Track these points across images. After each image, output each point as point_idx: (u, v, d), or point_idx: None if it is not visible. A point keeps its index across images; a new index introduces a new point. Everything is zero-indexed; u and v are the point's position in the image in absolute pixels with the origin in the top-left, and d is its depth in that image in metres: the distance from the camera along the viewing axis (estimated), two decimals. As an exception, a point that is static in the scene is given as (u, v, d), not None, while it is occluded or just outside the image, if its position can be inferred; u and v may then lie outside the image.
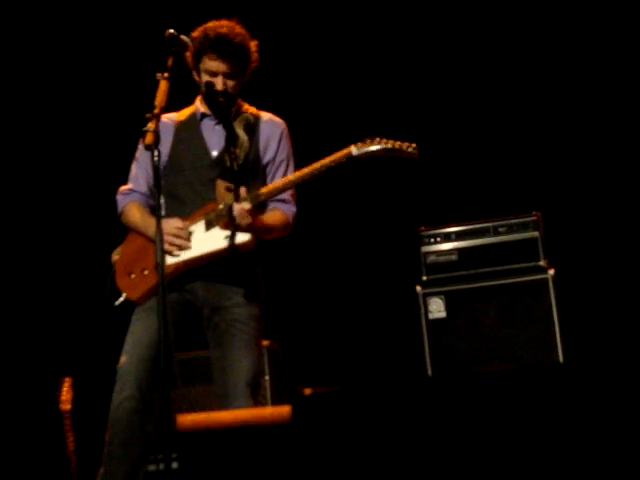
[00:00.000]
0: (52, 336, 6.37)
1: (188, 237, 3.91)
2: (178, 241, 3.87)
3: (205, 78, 4.01)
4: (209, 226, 3.91)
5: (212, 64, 3.98)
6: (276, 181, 3.96)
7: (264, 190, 3.88)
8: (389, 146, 3.77)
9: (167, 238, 3.85)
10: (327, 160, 3.83)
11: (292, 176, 3.94)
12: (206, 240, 3.90)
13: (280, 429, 2.79)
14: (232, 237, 3.82)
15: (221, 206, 3.87)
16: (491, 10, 6.41)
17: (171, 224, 3.88)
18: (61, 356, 6.19)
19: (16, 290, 6.47)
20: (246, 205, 3.78)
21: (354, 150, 3.78)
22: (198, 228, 3.93)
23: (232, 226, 3.79)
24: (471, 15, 6.46)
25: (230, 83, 4.02)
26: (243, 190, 3.82)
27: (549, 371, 2.90)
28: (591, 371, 2.84)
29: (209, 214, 3.92)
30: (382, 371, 6.02)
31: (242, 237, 3.83)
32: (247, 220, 3.79)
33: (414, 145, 3.79)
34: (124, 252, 4.12)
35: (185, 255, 3.89)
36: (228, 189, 3.88)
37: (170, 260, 3.86)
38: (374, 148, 3.77)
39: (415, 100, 6.46)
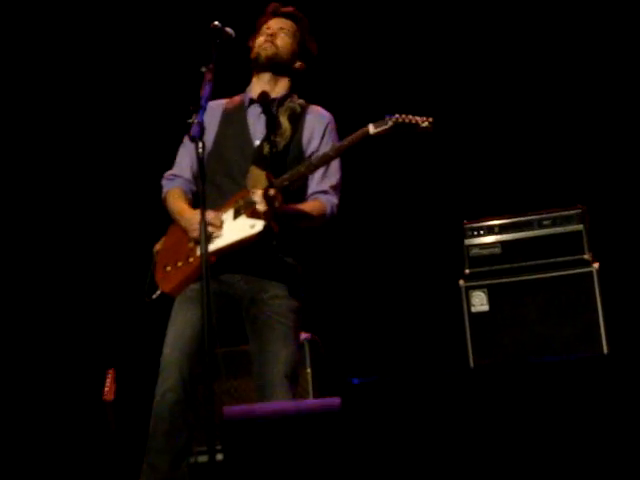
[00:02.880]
0: (96, 328, 6.42)
1: (221, 225, 3.88)
2: (210, 229, 3.80)
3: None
4: (237, 214, 3.87)
5: (269, 22, 4.16)
6: (299, 166, 3.88)
7: (287, 175, 3.82)
8: (400, 121, 3.72)
9: (197, 227, 3.84)
10: (347, 140, 3.80)
11: (314, 159, 3.89)
12: (232, 229, 3.86)
13: (328, 419, 2.79)
14: (255, 224, 3.80)
15: (250, 194, 3.82)
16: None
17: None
18: (105, 348, 6.23)
19: (60, 283, 6.52)
20: (270, 191, 3.72)
21: (371, 129, 3.74)
22: (227, 217, 3.90)
23: (257, 213, 3.77)
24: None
25: (286, 39, 4.13)
26: (270, 176, 3.77)
27: (593, 363, 2.88)
28: (636, 364, 2.82)
29: (238, 202, 3.88)
30: (424, 364, 6.00)
31: (259, 225, 3.78)
32: (267, 206, 3.73)
33: (430, 119, 3.73)
34: (164, 245, 4.13)
35: (214, 245, 3.84)
36: (260, 176, 3.85)
37: (199, 251, 3.85)
38: (389, 124, 3.73)
39: (460, 96, 6.44)
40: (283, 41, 4.14)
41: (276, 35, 4.14)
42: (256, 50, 4.14)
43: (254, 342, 3.99)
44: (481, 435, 2.73)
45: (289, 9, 4.25)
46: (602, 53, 6.25)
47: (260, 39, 4.15)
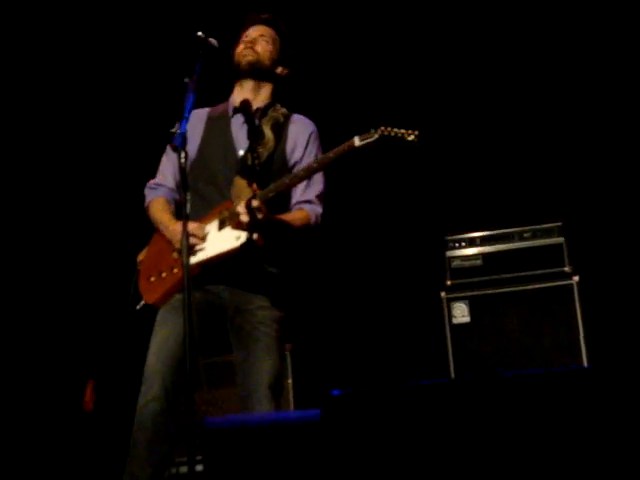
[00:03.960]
0: (77, 338, 6.39)
1: (204, 237, 3.90)
2: (193, 240, 3.82)
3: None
4: (222, 226, 3.86)
5: (248, 30, 4.18)
6: (284, 177, 3.88)
7: (272, 186, 3.82)
8: (386, 133, 3.70)
9: (180, 239, 3.81)
10: (332, 152, 3.79)
11: (300, 171, 3.88)
12: (218, 240, 3.86)
13: (309, 430, 2.78)
14: (240, 236, 3.79)
15: (235, 205, 3.82)
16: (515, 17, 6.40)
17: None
18: (85, 358, 6.21)
19: (41, 292, 6.50)
20: (254, 202, 3.72)
21: (357, 141, 3.72)
22: (212, 228, 3.89)
23: (241, 224, 3.77)
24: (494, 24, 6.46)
25: (266, 46, 4.14)
26: (255, 187, 3.77)
27: (573, 375, 2.89)
28: (616, 376, 2.83)
29: (222, 213, 3.88)
30: (406, 375, 6.01)
31: (244, 236, 3.77)
32: (250, 217, 3.72)
33: (416, 133, 3.70)
34: (147, 255, 4.12)
35: (198, 257, 3.85)
36: (244, 187, 3.85)
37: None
38: (375, 137, 3.72)
39: (442, 110, 6.46)
40: (263, 47, 4.15)
41: (256, 42, 4.15)
42: (236, 58, 4.15)
43: (238, 352, 3.99)
44: (462, 446, 2.74)
45: (266, 16, 4.26)
46: (576, 72, 6.28)
47: (240, 47, 4.16)
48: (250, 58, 4.11)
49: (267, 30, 4.21)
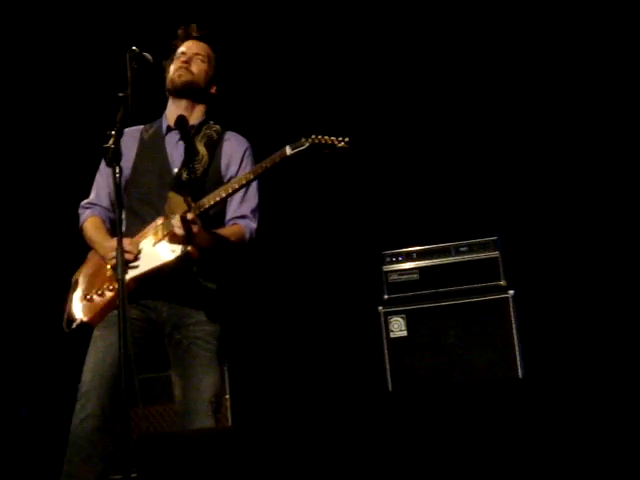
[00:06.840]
0: (10, 359, 6.32)
1: (138, 253, 3.87)
2: (126, 256, 3.75)
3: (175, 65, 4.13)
4: (157, 240, 3.87)
5: (183, 46, 4.15)
6: (218, 189, 3.86)
7: (206, 199, 3.82)
8: (317, 141, 3.74)
9: (113, 255, 3.79)
10: (265, 162, 3.80)
11: (234, 182, 3.87)
12: (153, 255, 3.85)
13: (250, 446, 2.78)
14: (175, 250, 3.79)
15: (169, 219, 3.82)
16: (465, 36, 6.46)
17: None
18: (19, 379, 6.14)
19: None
20: (189, 215, 3.72)
21: (288, 150, 3.74)
22: (147, 243, 3.89)
23: (176, 238, 3.76)
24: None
25: (201, 65, 4.12)
26: (189, 201, 3.77)
27: (508, 387, 2.92)
28: (549, 387, 2.87)
29: (157, 227, 3.88)
30: (344, 390, 6.01)
31: (179, 250, 3.77)
32: (185, 230, 3.72)
33: (346, 139, 3.75)
34: (83, 274, 4.09)
35: (133, 272, 3.83)
36: (179, 201, 3.84)
37: None
38: (306, 145, 3.75)
39: (377, 124, 6.49)
40: (199, 67, 4.13)
41: (191, 61, 4.13)
42: (171, 76, 4.12)
43: (177, 368, 3.96)
44: (399, 458, 2.75)
45: (204, 32, 4.23)
46: (513, 85, 6.35)
47: (175, 65, 4.13)
48: (185, 78, 4.09)
49: (203, 47, 4.19)
